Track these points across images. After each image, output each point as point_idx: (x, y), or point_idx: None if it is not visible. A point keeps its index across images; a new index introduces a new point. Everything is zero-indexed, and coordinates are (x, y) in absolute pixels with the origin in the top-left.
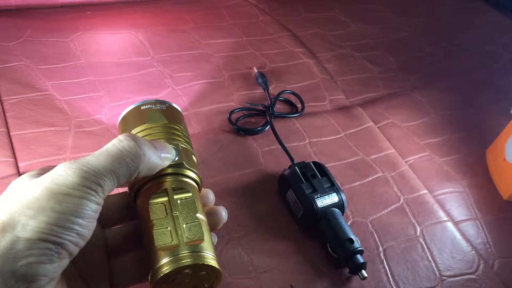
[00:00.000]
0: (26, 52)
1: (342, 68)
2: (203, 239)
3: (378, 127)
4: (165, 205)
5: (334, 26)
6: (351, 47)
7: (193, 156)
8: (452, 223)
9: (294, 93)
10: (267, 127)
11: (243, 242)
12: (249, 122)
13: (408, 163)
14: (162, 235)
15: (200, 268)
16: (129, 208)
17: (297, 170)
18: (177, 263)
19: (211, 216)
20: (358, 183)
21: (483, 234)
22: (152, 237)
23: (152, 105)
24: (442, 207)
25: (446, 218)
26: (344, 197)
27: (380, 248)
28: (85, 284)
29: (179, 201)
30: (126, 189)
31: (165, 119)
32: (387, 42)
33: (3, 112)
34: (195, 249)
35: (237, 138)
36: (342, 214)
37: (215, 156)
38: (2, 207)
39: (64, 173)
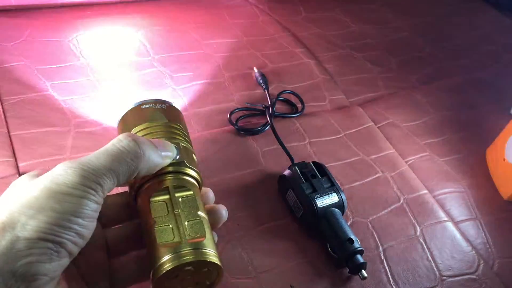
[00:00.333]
0: (26, 52)
1: (342, 68)
2: (205, 237)
3: (378, 127)
4: (166, 203)
5: (334, 26)
6: (351, 47)
7: (193, 155)
8: (452, 223)
9: (294, 93)
10: (267, 127)
11: (243, 242)
12: (249, 122)
13: (408, 163)
14: (164, 233)
15: (202, 265)
16: (129, 207)
17: (297, 170)
18: (179, 260)
19: (212, 214)
20: (358, 183)
21: (483, 234)
22: (154, 235)
23: (152, 105)
24: (442, 207)
25: (446, 218)
26: (344, 197)
27: (380, 248)
28: (85, 283)
29: (180, 199)
30: (126, 188)
31: (165, 118)
32: (387, 42)
33: (3, 112)
34: (197, 246)
35: (237, 138)
36: (342, 214)
37: (215, 156)
38: (2, 207)
39: (63, 172)
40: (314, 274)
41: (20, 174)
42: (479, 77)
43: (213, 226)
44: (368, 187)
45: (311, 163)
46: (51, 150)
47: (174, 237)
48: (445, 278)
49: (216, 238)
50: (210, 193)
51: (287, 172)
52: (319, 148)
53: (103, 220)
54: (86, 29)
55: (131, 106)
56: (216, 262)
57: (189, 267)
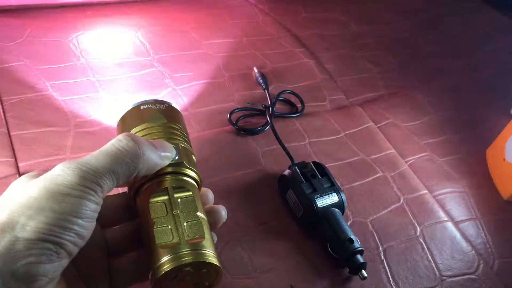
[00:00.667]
0: (26, 52)
1: (342, 68)
2: (204, 237)
3: (378, 127)
4: (165, 204)
5: (334, 26)
6: (351, 47)
7: (192, 155)
8: (452, 223)
9: (294, 93)
10: (267, 127)
11: (243, 242)
12: (249, 122)
13: (408, 163)
14: (163, 233)
15: (201, 266)
16: (128, 208)
17: (297, 170)
18: (178, 261)
19: (211, 215)
20: (358, 183)
21: (483, 234)
22: (152, 236)
23: (151, 105)
24: (442, 207)
25: (446, 218)
26: (344, 197)
27: (380, 248)
28: (85, 284)
29: (179, 200)
30: (125, 189)
31: (164, 118)
32: (387, 42)
33: (3, 112)
34: (196, 247)
35: (237, 138)
36: (342, 214)
37: (215, 156)
38: (1, 207)
39: (63, 173)
40: (314, 274)
41: (20, 174)
42: (479, 77)
43: (212, 227)
44: (368, 187)
45: (311, 163)
46: (51, 150)
47: (173, 238)
48: (445, 278)
49: (215, 239)
50: (209, 194)
51: (287, 172)
52: (319, 148)
53: (103, 220)
54: (86, 29)
55: (130, 106)
56: (215, 263)
57: (188, 268)
